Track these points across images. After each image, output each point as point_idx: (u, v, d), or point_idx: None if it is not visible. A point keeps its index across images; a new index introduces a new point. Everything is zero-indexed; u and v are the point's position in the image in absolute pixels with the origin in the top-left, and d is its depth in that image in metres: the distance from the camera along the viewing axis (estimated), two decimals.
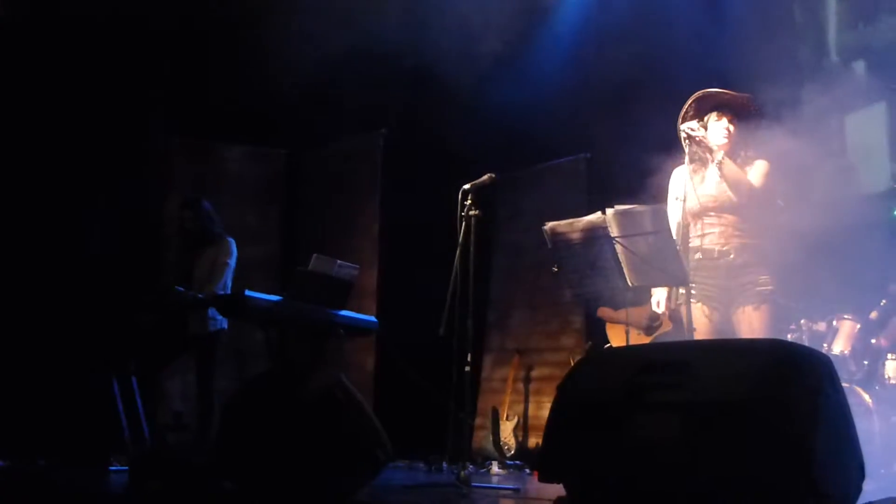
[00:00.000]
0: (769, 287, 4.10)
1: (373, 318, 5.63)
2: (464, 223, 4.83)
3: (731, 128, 4.24)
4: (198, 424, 5.42)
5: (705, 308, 4.18)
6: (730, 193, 4.17)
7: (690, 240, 4.28)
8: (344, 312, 5.18)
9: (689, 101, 4.29)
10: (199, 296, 5.21)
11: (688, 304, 4.04)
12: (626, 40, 6.45)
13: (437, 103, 7.10)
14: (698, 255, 4.23)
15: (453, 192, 4.97)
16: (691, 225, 4.29)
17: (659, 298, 4.43)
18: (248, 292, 4.70)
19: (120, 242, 6.92)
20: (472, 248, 4.84)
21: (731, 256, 4.16)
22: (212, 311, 5.31)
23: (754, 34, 5.83)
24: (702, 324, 4.16)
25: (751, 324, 4.06)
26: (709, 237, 4.23)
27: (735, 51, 5.56)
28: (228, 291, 5.40)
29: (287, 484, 3.51)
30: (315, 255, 5.13)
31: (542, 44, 7.22)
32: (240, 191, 7.66)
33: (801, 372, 2.49)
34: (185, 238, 5.71)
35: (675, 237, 4.07)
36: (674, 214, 4.22)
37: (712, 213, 4.23)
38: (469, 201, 4.86)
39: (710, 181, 4.26)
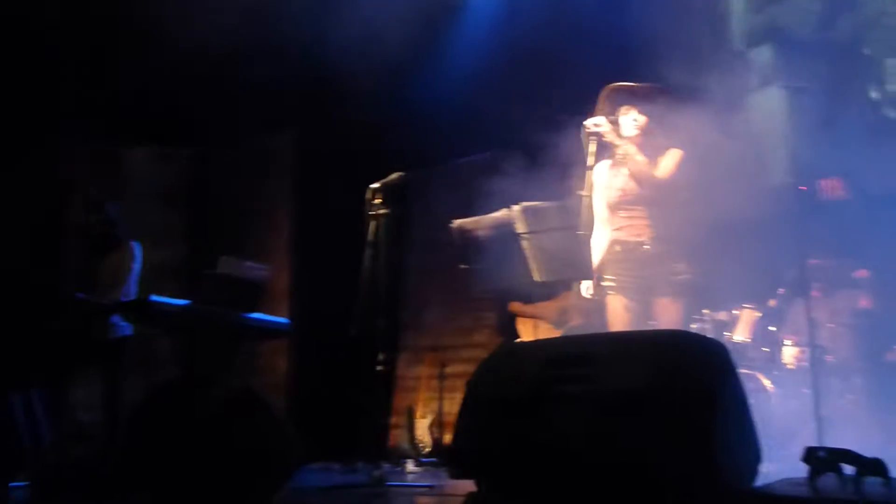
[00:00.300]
0: (685, 275, 4.19)
1: (285, 320, 5.57)
2: (373, 222, 4.82)
3: (641, 119, 4.32)
4: (104, 435, 5.27)
5: (623, 299, 4.26)
6: (644, 190, 4.26)
7: (611, 233, 4.36)
8: (255, 315, 5.11)
9: (600, 97, 4.36)
10: (103, 302, 5.06)
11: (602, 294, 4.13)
12: (535, 34, 6.51)
13: (349, 102, 7.05)
14: (617, 248, 4.31)
15: (365, 191, 4.95)
16: (611, 218, 4.36)
17: (587, 285, 4.46)
18: (153, 297, 4.59)
19: (18, 248, 6.66)
20: (382, 247, 4.83)
21: (646, 247, 4.24)
22: (116, 318, 5.16)
23: (664, 24, 5.92)
24: (619, 315, 4.24)
25: (668, 314, 4.16)
26: (625, 229, 4.31)
27: (645, 39, 5.64)
28: (133, 297, 5.26)
29: (198, 494, 3.44)
30: (222, 257, 5.05)
31: (455, 39, 7.24)
32: (144, 193, 7.46)
33: (699, 361, 2.57)
34: (88, 242, 5.55)
35: (587, 231, 4.15)
36: (597, 209, 4.31)
37: (626, 206, 4.30)
38: (378, 200, 4.85)
39: (622, 175, 4.34)
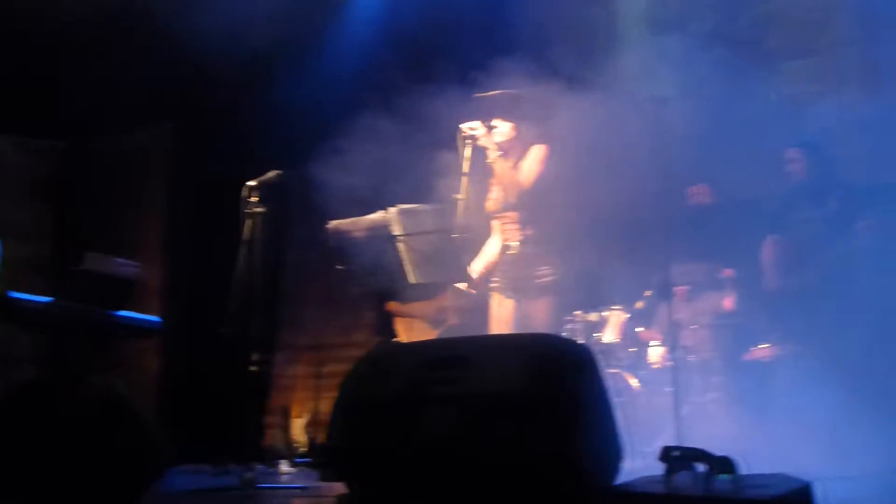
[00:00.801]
0: (550, 278, 4.28)
1: (156, 318, 5.41)
2: (249, 220, 4.75)
3: (506, 126, 4.42)
4: None
5: (502, 299, 4.35)
6: (511, 197, 4.35)
7: (496, 237, 4.46)
8: (124, 313, 4.94)
9: (477, 103, 4.43)
10: None
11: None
12: (416, 30, 6.53)
13: (227, 99, 6.92)
14: (496, 251, 4.42)
15: (242, 189, 4.88)
16: (494, 223, 4.46)
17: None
18: (11, 293, 4.38)
19: None
20: (258, 245, 4.77)
21: (516, 249, 4.35)
22: None
23: (550, 19, 6.01)
24: (497, 315, 4.34)
25: (539, 315, 4.26)
26: (502, 233, 4.43)
27: (530, 36, 5.72)
28: None
29: (60, 497, 3.30)
30: (89, 253, 4.86)
31: (335, 36, 7.19)
32: (10, 186, 7.10)
33: (563, 363, 2.63)
34: None
35: (462, 235, 4.21)
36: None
37: (501, 211, 4.40)
38: (255, 198, 4.79)
39: (497, 188, 4.45)
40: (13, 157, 7.25)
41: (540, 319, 4.27)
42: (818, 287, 4.97)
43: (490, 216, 4.46)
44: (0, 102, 6.73)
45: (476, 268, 4.52)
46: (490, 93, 4.44)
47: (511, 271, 4.36)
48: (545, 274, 4.29)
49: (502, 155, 4.40)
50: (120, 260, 4.91)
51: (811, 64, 5.95)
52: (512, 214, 4.40)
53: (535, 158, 4.36)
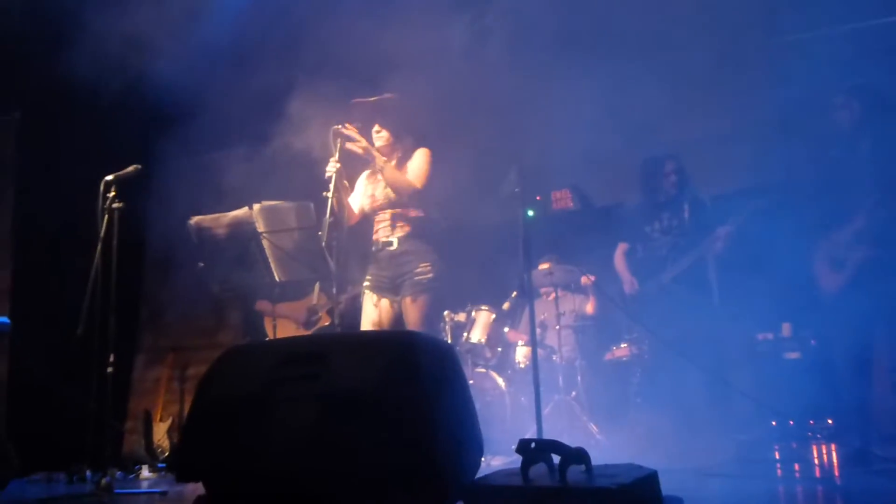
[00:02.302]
0: (428, 276, 4.30)
1: (4, 319, 5.14)
2: (106, 216, 4.58)
3: (384, 132, 4.46)
4: None
5: (375, 297, 4.34)
6: (389, 192, 4.36)
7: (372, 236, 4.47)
8: None
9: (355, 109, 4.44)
10: None
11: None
12: (281, 26, 6.44)
13: (80, 88, 6.63)
14: (373, 248, 4.42)
15: (97, 183, 4.70)
16: (374, 222, 4.46)
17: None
18: None
19: None
20: (115, 242, 4.60)
21: (393, 247, 4.36)
22: None
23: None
24: (371, 313, 4.33)
25: (412, 312, 4.27)
26: (380, 230, 4.44)
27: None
28: None
29: None
30: None
31: (200, 32, 7.01)
32: None
33: (424, 362, 2.63)
34: None
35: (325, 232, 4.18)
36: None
37: (380, 209, 4.41)
38: (112, 193, 4.62)
39: (378, 183, 4.45)
40: None
41: (413, 317, 4.27)
42: (672, 290, 5.18)
43: (370, 214, 4.46)
44: None
45: None
46: (369, 98, 4.44)
47: (389, 269, 4.36)
48: (424, 271, 4.30)
49: (386, 158, 4.42)
50: None
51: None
52: (390, 212, 4.41)
53: (421, 160, 4.40)
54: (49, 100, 6.81)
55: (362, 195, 4.54)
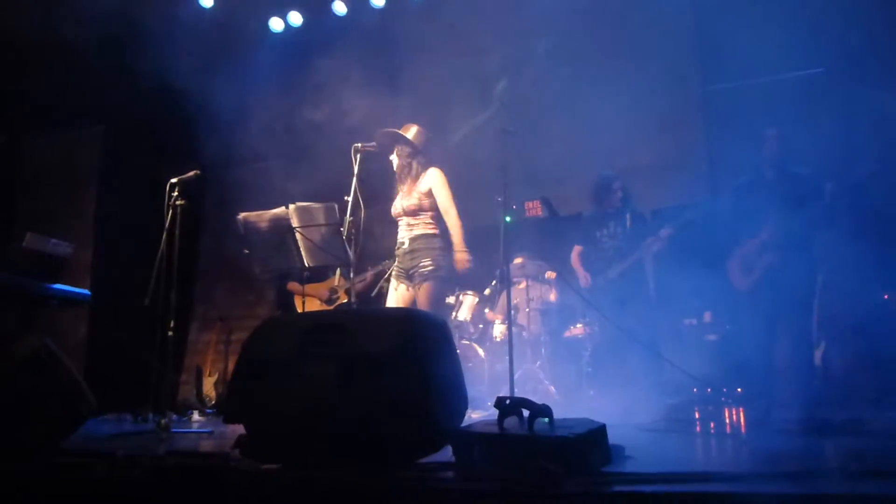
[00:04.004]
0: (430, 268, 4.30)
1: (86, 291, 5.09)
2: (171, 211, 4.58)
3: (403, 153, 4.48)
4: None
5: (396, 283, 4.36)
6: (405, 205, 4.37)
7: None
8: (57, 286, 4.62)
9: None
10: None
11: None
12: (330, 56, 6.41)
13: (156, 101, 6.60)
14: (395, 246, 4.43)
15: (165, 183, 4.69)
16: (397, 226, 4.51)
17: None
18: None
19: None
20: (177, 232, 4.60)
21: (406, 246, 4.37)
22: None
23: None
24: (393, 296, 4.37)
25: (420, 297, 4.28)
26: (399, 232, 4.43)
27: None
28: None
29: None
30: (29, 233, 4.53)
31: (252, 60, 6.99)
32: None
33: (421, 332, 2.65)
34: None
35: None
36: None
37: (401, 216, 4.43)
38: (176, 193, 4.62)
39: (398, 196, 4.46)
40: None
41: (424, 300, 4.30)
42: (616, 283, 5.20)
43: (394, 220, 4.49)
44: None
45: None
46: (389, 130, 4.47)
47: (404, 262, 4.38)
48: (427, 265, 4.31)
49: (403, 174, 4.44)
50: (55, 240, 4.59)
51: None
52: (409, 219, 4.42)
53: (440, 181, 4.41)
54: (126, 115, 6.78)
55: (393, 204, 4.55)
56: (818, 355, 4.93)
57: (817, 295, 4.61)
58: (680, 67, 6.26)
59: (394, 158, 4.55)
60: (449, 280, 4.41)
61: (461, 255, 4.34)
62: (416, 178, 4.46)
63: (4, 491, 2.60)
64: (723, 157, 5.90)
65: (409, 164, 4.49)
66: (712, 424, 4.03)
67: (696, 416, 4.49)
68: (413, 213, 4.38)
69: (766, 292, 4.26)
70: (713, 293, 5.23)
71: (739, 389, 4.35)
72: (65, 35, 5.88)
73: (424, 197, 4.38)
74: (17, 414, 3.11)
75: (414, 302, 4.34)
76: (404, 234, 4.42)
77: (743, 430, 3.80)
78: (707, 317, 5.68)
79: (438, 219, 4.40)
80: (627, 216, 5.28)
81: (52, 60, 5.91)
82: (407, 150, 4.47)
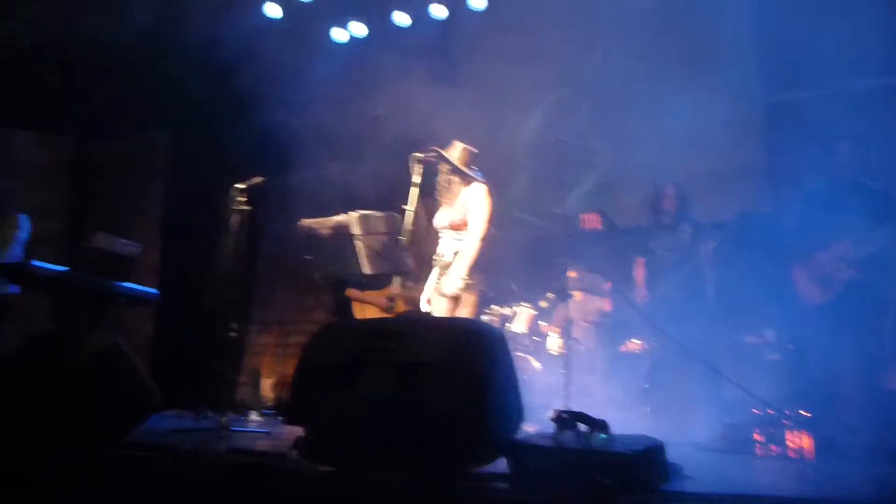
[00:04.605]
0: (469, 281, 4.29)
1: (153, 290, 5.26)
2: (235, 216, 4.70)
3: (445, 170, 4.50)
4: None
5: (435, 296, 4.37)
6: (451, 218, 4.38)
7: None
8: (126, 284, 4.79)
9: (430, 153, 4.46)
10: None
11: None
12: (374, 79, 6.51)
13: (222, 111, 6.80)
14: (435, 258, 4.45)
15: (228, 188, 4.81)
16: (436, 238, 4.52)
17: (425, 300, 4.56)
18: (34, 262, 4.22)
19: None
20: (241, 236, 4.71)
21: (446, 258, 4.38)
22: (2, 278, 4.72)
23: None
24: (433, 309, 4.37)
25: (465, 306, 4.27)
26: (440, 244, 4.46)
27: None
28: (20, 261, 4.83)
29: (60, 429, 3.19)
30: (99, 232, 4.71)
31: (312, 74, 7.12)
32: (27, 173, 6.85)
33: (480, 343, 2.65)
34: None
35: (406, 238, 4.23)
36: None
37: (445, 229, 4.44)
38: (241, 198, 4.74)
39: (443, 209, 4.47)
40: (31, 148, 7.01)
41: (465, 310, 4.28)
42: (671, 298, 5.09)
43: (438, 230, 4.51)
44: (26, 103, 6.52)
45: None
46: (433, 148, 4.50)
47: (440, 273, 4.39)
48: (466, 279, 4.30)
49: (442, 189, 4.49)
50: (124, 240, 4.76)
51: None
52: (450, 232, 4.44)
53: (476, 193, 4.41)
54: (193, 120, 6.99)
55: (436, 217, 4.59)
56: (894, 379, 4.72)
57: (892, 314, 4.41)
58: (744, 77, 6.11)
59: (441, 175, 4.57)
60: (486, 295, 4.40)
61: (456, 282, 4.25)
62: (455, 193, 4.49)
63: (73, 481, 2.70)
64: (787, 168, 5.73)
65: (448, 181, 4.52)
66: (774, 447, 3.91)
67: (757, 437, 4.36)
68: (458, 227, 4.40)
69: (842, 309, 4.08)
70: (777, 308, 5.07)
71: (803, 411, 4.20)
72: (134, 43, 6.12)
73: (467, 212, 4.39)
74: (86, 407, 3.23)
75: (451, 314, 4.34)
76: (446, 247, 4.42)
77: (807, 453, 3.67)
78: (769, 335, 5.51)
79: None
80: (685, 227, 5.16)
81: (122, 68, 6.14)
82: (447, 166, 4.50)
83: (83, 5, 5.74)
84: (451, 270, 4.31)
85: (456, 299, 4.26)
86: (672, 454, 2.49)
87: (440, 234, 4.52)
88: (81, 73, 6.07)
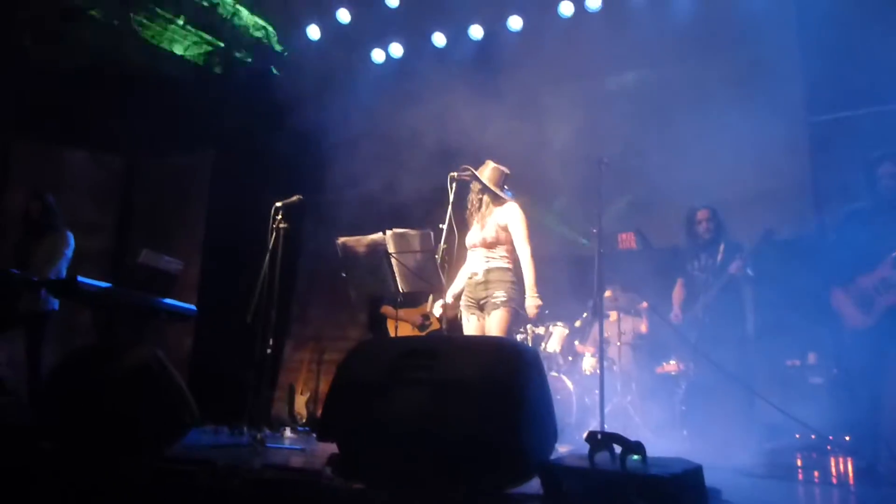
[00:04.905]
0: (502, 298, 4.28)
1: (192, 307, 5.35)
2: (274, 234, 4.77)
3: (476, 189, 4.51)
4: (26, 389, 4.92)
5: (467, 314, 4.37)
6: (483, 236, 4.39)
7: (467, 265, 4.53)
8: (167, 300, 4.89)
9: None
10: (34, 278, 4.75)
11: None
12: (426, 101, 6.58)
13: (263, 132, 6.94)
14: (466, 276, 4.46)
15: (268, 207, 4.89)
16: (467, 255, 4.53)
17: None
18: (79, 278, 4.33)
19: None
20: (279, 254, 4.78)
21: (479, 276, 4.37)
22: (44, 293, 4.85)
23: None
24: (465, 326, 4.37)
25: (493, 326, 4.25)
26: (471, 263, 4.45)
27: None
28: (63, 277, 4.96)
29: (103, 442, 3.26)
30: (145, 249, 4.83)
31: (350, 97, 7.23)
32: (79, 190, 7.07)
33: (513, 361, 2.64)
34: (27, 226, 5.22)
35: (442, 256, 4.24)
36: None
37: (476, 247, 4.44)
38: (280, 216, 4.81)
39: (474, 227, 4.49)
40: (85, 167, 7.23)
41: (494, 328, 4.27)
42: (703, 319, 5.01)
43: (470, 247, 4.51)
44: (76, 123, 6.74)
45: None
46: (464, 167, 4.51)
47: (475, 293, 4.38)
48: (500, 296, 4.29)
49: (474, 208, 4.49)
50: (167, 257, 4.86)
51: None
52: (477, 251, 4.44)
53: (513, 213, 4.41)
54: (235, 143, 7.13)
55: (468, 236, 4.59)
56: None
57: None
58: (786, 98, 6.04)
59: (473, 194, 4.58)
60: (519, 313, 4.38)
61: (532, 301, 4.27)
62: (486, 212, 4.48)
63: (113, 492, 2.75)
64: (830, 189, 5.63)
65: (480, 200, 4.52)
66: (816, 473, 3.81)
67: (799, 462, 4.26)
68: (490, 245, 4.39)
69: (886, 334, 3.96)
70: (820, 332, 4.96)
71: (847, 438, 4.09)
72: (181, 69, 6.30)
73: (502, 230, 4.38)
74: (127, 420, 3.30)
75: (484, 332, 4.32)
76: (479, 265, 4.41)
77: (850, 480, 3.58)
78: (812, 358, 5.39)
79: (513, 252, 4.38)
80: (720, 248, 5.09)
81: (168, 91, 6.32)
82: (478, 185, 4.51)
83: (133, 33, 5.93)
84: (527, 292, 4.30)
85: (511, 311, 4.26)
86: (710, 478, 2.44)
87: (470, 252, 4.52)
88: (133, 94, 6.24)
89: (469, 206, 4.56)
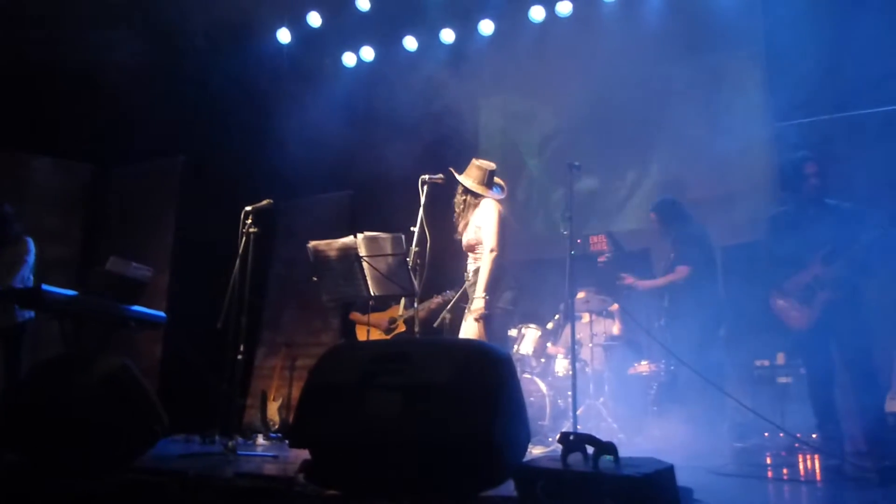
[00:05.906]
0: (475, 306, 4.28)
1: (162, 314, 5.28)
2: (244, 238, 4.73)
3: (458, 190, 4.52)
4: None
5: (466, 316, 4.36)
6: (466, 238, 4.40)
7: None
8: (136, 308, 4.82)
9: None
10: None
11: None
12: (392, 104, 6.57)
13: (231, 136, 6.88)
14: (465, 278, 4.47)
15: (239, 213, 4.85)
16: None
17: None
18: (44, 286, 4.25)
19: None
20: (249, 259, 4.74)
21: (469, 279, 4.39)
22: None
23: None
24: (462, 328, 4.37)
25: (479, 330, 4.25)
26: (467, 265, 4.46)
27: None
28: (29, 285, 4.87)
29: (68, 453, 3.19)
30: (112, 256, 4.75)
31: (325, 89, 7.21)
32: (44, 198, 6.93)
33: (487, 365, 2.64)
34: None
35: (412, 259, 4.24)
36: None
37: (466, 250, 4.45)
38: (249, 221, 4.78)
39: (464, 231, 4.50)
40: (49, 173, 7.10)
41: (481, 332, 4.27)
42: (676, 321, 5.07)
43: (463, 251, 4.52)
44: (41, 129, 6.62)
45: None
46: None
47: (469, 295, 4.39)
48: (475, 304, 4.29)
49: (458, 209, 4.51)
50: (135, 264, 4.79)
51: None
52: (473, 254, 4.45)
53: (486, 210, 4.41)
54: (205, 147, 7.06)
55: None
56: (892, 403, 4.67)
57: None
58: (752, 103, 6.15)
59: (457, 196, 4.59)
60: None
61: (477, 303, 4.21)
62: (469, 212, 4.49)
63: None
64: (776, 191, 5.74)
65: (464, 201, 4.53)
66: (785, 471, 3.87)
67: (768, 461, 4.32)
68: (472, 247, 4.40)
69: (826, 332, 3.99)
70: (780, 334, 5.04)
71: (814, 436, 4.16)
72: (149, 72, 6.22)
73: (479, 230, 4.39)
74: (95, 430, 3.23)
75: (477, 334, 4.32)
76: (469, 267, 4.43)
77: (818, 477, 3.64)
78: (780, 358, 5.47)
79: None
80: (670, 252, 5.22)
81: (136, 96, 6.23)
82: (461, 187, 4.53)
83: (103, 33, 5.85)
84: (476, 292, 4.30)
85: (482, 320, 4.23)
86: (682, 477, 2.47)
87: (466, 255, 4.53)
88: (99, 102, 6.15)
89: (455, 210, 4.55)
